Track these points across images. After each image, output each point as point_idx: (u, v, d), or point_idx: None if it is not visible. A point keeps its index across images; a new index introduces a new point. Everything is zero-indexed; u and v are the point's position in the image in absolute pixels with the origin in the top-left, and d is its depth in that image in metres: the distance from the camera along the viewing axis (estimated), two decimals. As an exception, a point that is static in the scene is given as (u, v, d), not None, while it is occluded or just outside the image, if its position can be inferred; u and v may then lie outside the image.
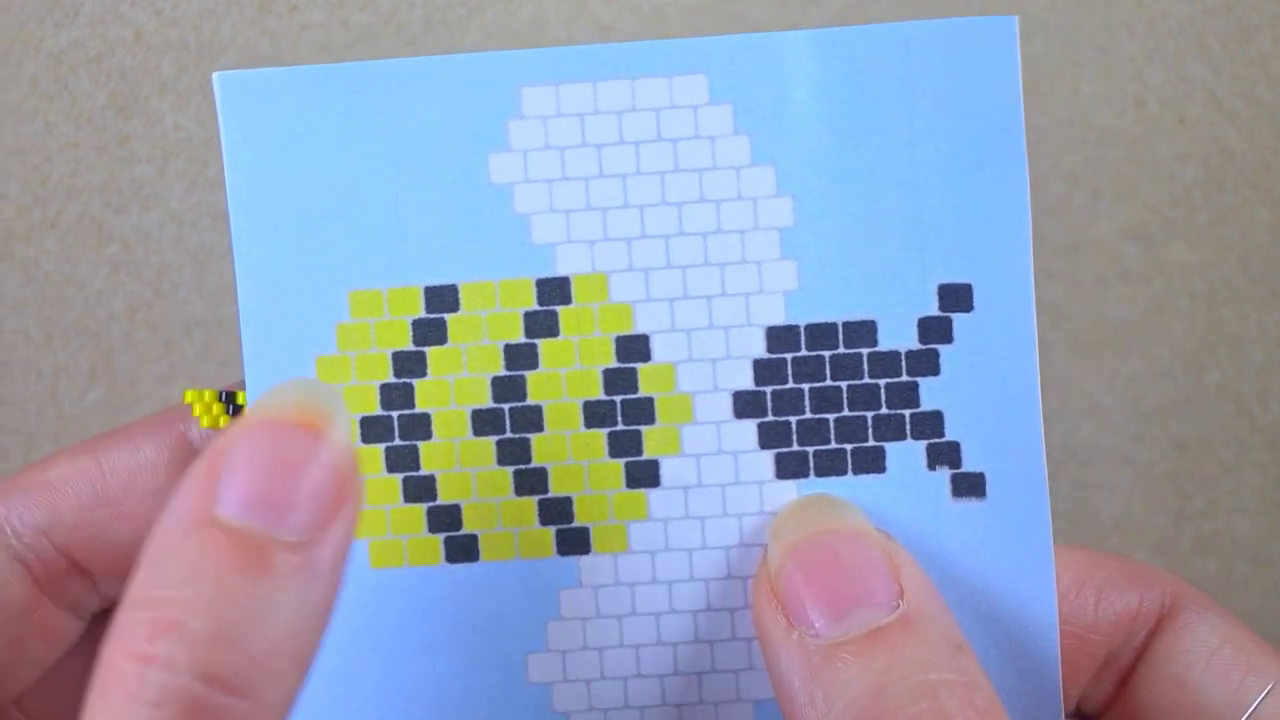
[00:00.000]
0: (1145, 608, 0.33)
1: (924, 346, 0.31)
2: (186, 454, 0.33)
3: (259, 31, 0.39)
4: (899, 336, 0.31)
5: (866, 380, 0.31)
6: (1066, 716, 0.34)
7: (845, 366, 0.31)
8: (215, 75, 0.31)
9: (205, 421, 0.32)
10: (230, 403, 0.31)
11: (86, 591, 0.33)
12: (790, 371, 0.32)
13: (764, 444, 0.32)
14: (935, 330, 0.31)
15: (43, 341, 0.39)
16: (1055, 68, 0.40)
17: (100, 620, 0.35)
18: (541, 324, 0.31)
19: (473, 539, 0.32)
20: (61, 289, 0.39)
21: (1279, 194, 0.40)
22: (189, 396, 0.32)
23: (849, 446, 0.32)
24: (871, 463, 0.32)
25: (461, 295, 0.31)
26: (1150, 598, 0.33)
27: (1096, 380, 0.40)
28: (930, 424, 0.31)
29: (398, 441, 0.31)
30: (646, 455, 0.32)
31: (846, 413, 0.32)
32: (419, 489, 0.32)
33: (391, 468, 0.31)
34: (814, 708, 0.27)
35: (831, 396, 0.32)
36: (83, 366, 0.39)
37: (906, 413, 0.31)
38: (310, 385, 0.28)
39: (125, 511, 0.32)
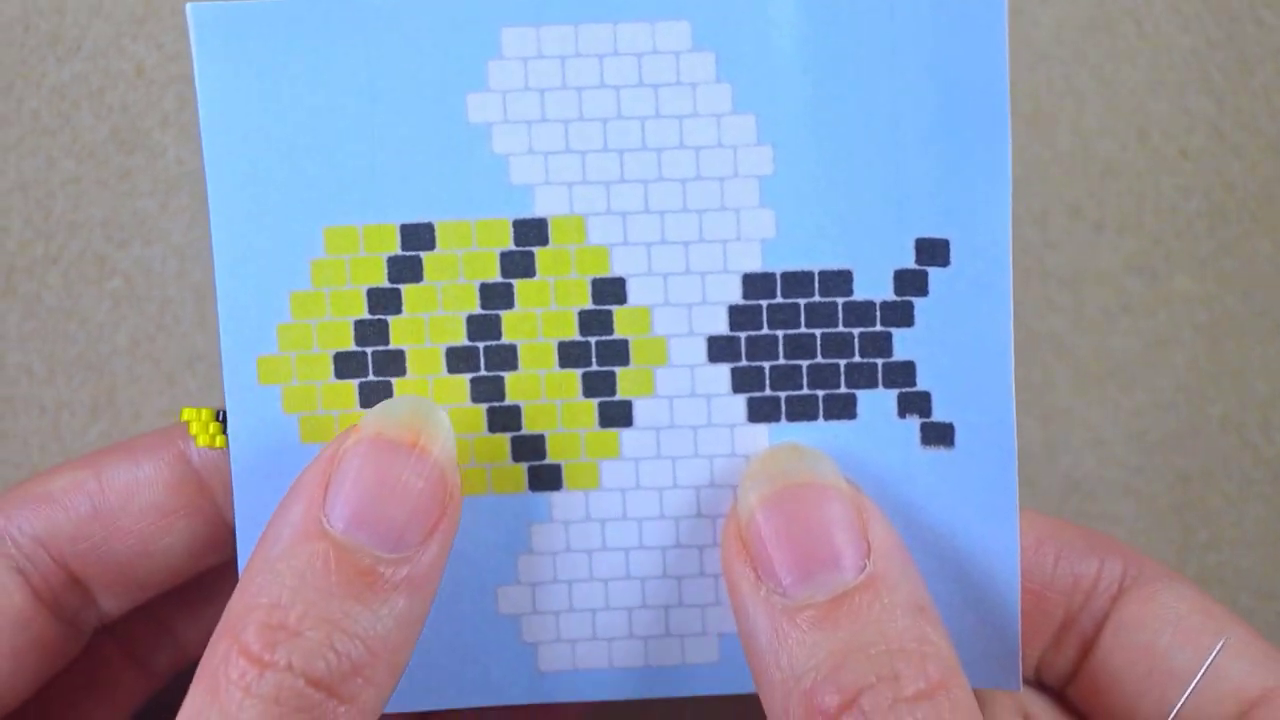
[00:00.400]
0: (1106, 574, 0.33)
1: (899, 298, 0.31)
2: (185, 471, 0.33)
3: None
4: (874, 287, 0.31)
5: (840, 329, 0.32)
6: (1027, 684, 0.34)
7: (820, 314, 0.32)
8: (188, 6, 0.30)
9: (202, 440, 0.32)
10: (227, 422, 0.31)
11: (85, 606, 0.34)
12: (765, 318, 0.32)
13: (737, 388, 0.32)
14: (911, 282, 0.31)
15: (45, 377, 0.39)
16: (1058, 100, 0.40)
17: (101, 638, 0.35)
18: (518, 264, 0.31)
19: None
20: (64, 324, 0.39)
21: None
22: (186, 414, 0.32)
23: (821, 393, 0.32)
24: (842, 409, 0.32)
25: (438, 234, 0.31)
26: (1111, 565, 0.33)
27: (1100, 413, 0.41)
28: (902, 373, 0.32)
29: (371, 377, 0.32)
30: (620, 396, 0.32)
31: (820, 360, 0.32)
32: None
33: (365, 403, 0.32)
34: (778, 669, 0.28)
35: (805, 344, 0.32)
36: (85, 401, 0.40)
37: (879, 362, 0.32)
38: (420, 404, 0.30)
39: (124, 526, 0.33)
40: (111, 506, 0.33)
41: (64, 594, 0.33)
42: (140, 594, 0.34)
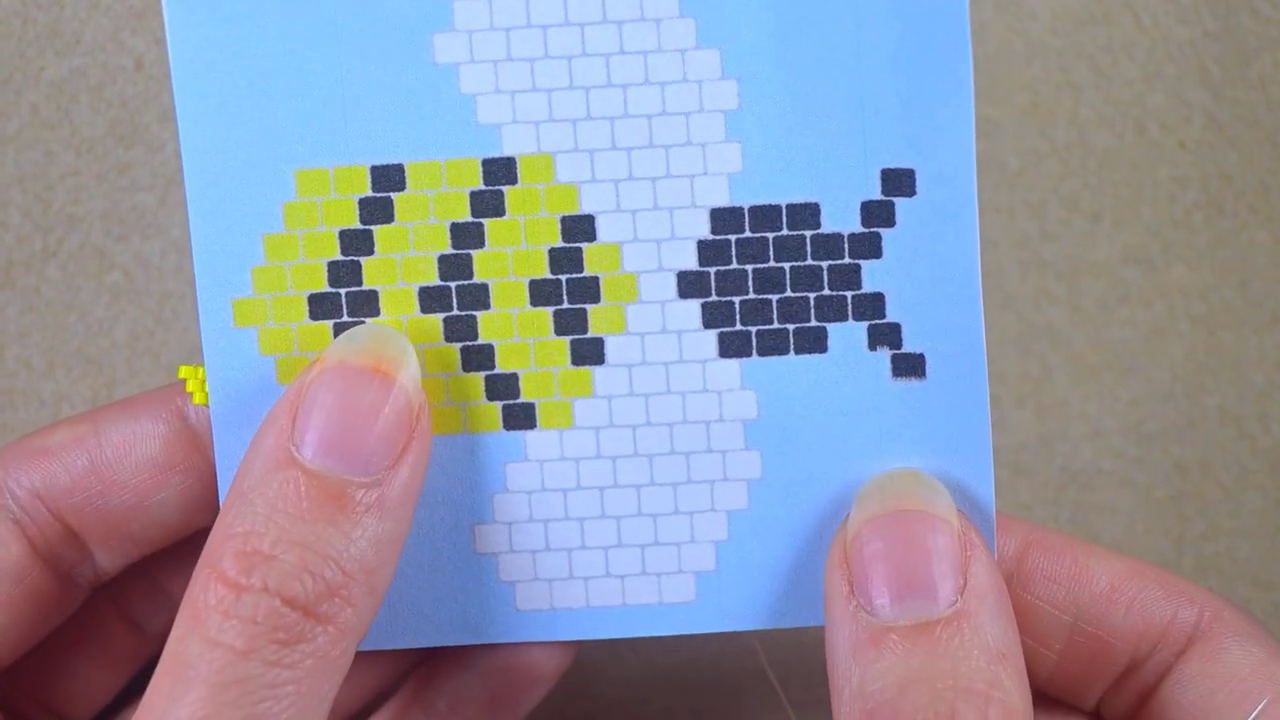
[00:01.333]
0: (1178, 624, 0.32)
1: (866, 230, 0.32)
2: (182, 427, 0.33)
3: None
4: (842, 219, 0.32)
5: (809, 262, 0.32)
6: (1084, 718, 0.34)
7: (788, 248, 0.32)
8: (159, -48, 0.31)
9: (198, 398, 0.32)
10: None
11: (81, 560, 0.34)
12: (734, 252, 0.32)
13: (707, 324, 0.32)
14: (878, 214, 0.31)
15: (45, 370, 0.40)
16: (1055, 91, 0.40)
17: (99, 600, 0.36)
18: (487, 203, 0.32)
19: None
20: (63, 317, 0.40)
21: (1279, 216, 0.40)
22: (183, 372, 0.32)
23: (791, 327, 0.32)
24: (813, 343, 0.32)
25: (408, 174, 0.32)
26: (1185, 615, 0.32)
27: (1097, 404, 0.41)
28: (871, 305, 0.32)
29: (346, 318, 0.32)
30: (591, 334, 0.32)
31: (789, 293, 0.32)
32: None
33: None
34: (849, 683, 0.29)
35: (774, 277, 0.32)
36: (85, 394, 0.40)
37: (848, 294, 0.32)
38: (381, 331, 0.31)
39: (121, 480, 0.33)
40: (109, 461, 0.33)
41: (60, 547, 0.33)
42: (135, 550, 0.34)
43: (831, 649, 0.29)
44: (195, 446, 0.33)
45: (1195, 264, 0.40)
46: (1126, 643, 0.33)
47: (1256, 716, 0.31)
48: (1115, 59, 0.40)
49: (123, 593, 0.36)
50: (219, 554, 0.28)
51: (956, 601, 0.29)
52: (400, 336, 0.31)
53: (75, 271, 0.40)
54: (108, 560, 0.34)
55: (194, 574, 0.28)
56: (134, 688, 0.37)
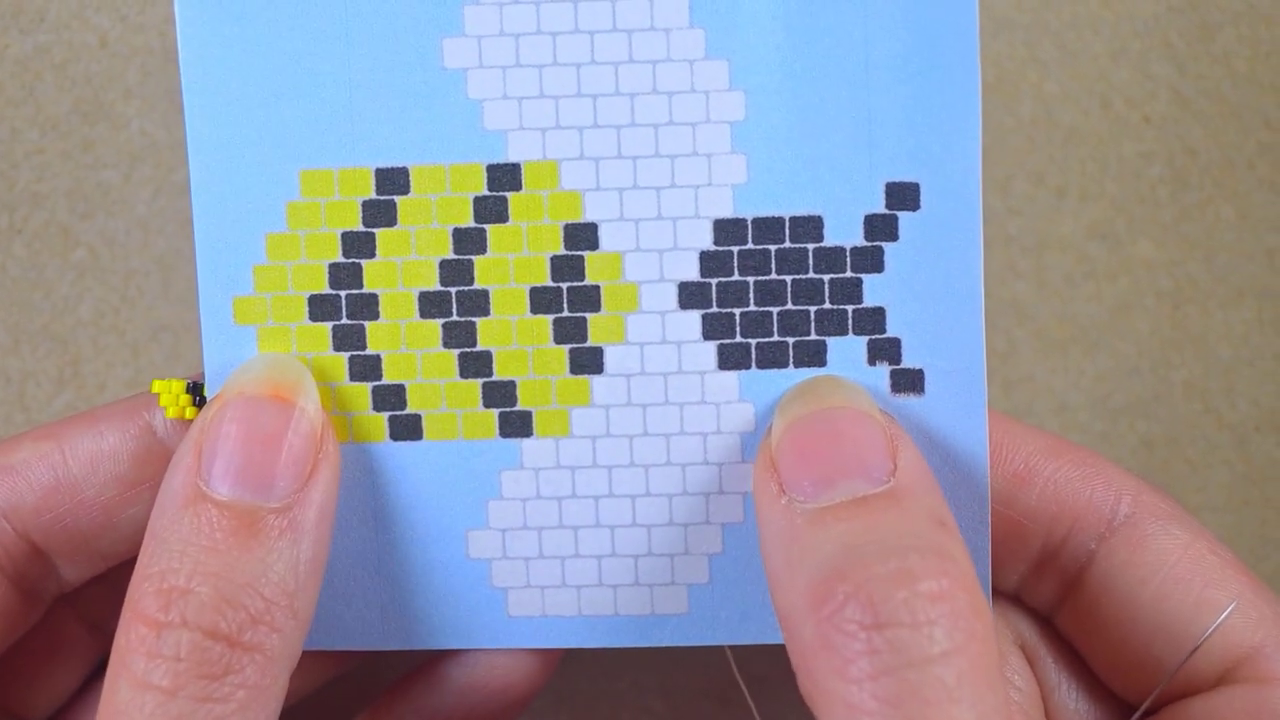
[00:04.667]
0: (1094, 506, 0.32)
1: (869, 243, 0.32)
2: (150, 442, 0.33)
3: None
4: (845, 233, 0.32)
5: (811, 275, 0.32)
6: (1015, 605, 0.34)
7: (790, 261, 0.32)
8: (170, -52, 0.31)
9: (171, 412, 0.32)
10: (198, 394, 0.31)
11: (46, 576, 0.34)
12: (736, 264, 0.32)
13: (707, 335, 0.32)
14: (881, 228, 0.32)
15: (10, 347, 0.40)
16: (1020, 67, 0.40)
17: (59, 605, 0.35)
18: (491, 209, 0.32)
19: (416, 418, 0.32)
20: (28, 294, 0.40)
21: (1244, 191, 0.40)
22: (157, 386, 0.32)
23: (791, 340, 0.32)
24: (813, 356, 0.32)
25: (412, 178, 0.32)
26: (1101, 497, 0.32)
27: (1063, 379, 0.41)
28: (872, 320, 0.32)
29: (344, 320, 0.32)
30: (591, 342, 0.32)
31: (790, 306, 0.32)
32: (364, 368, 0.32)
33: (338, 346, 0.32)
34: (789, 568, 0.28)
35: (776, 290, 0.32)
36: (50, 372, 0.40)
37: (849, 308, 0.32)
38: (277, 359, 0.31)
39: (87, 498, 0.33)
40: (75, 478, 0.33)
41: (25, 565, 0.33)
42: (102, 564, 0.34)
43: (768, 551, 0.29)
44: (164, 461, 0.33)
45: (1161, 239, 0.40)
46: (1039, 524, 0.32)
47: (1220, 622, 0.31)
48: (1080, 34, 0.40)
49: (86, 599, 0.36)
50: (138, 595, 0.28)
51: (889, 480, 0.28)
52: (296, 362, 0.31)
53: (40, 249, 0.39)
54: (73, 574, 0.34)
55: (120, 621, 0.28)
56: (95, 681, 0.36)
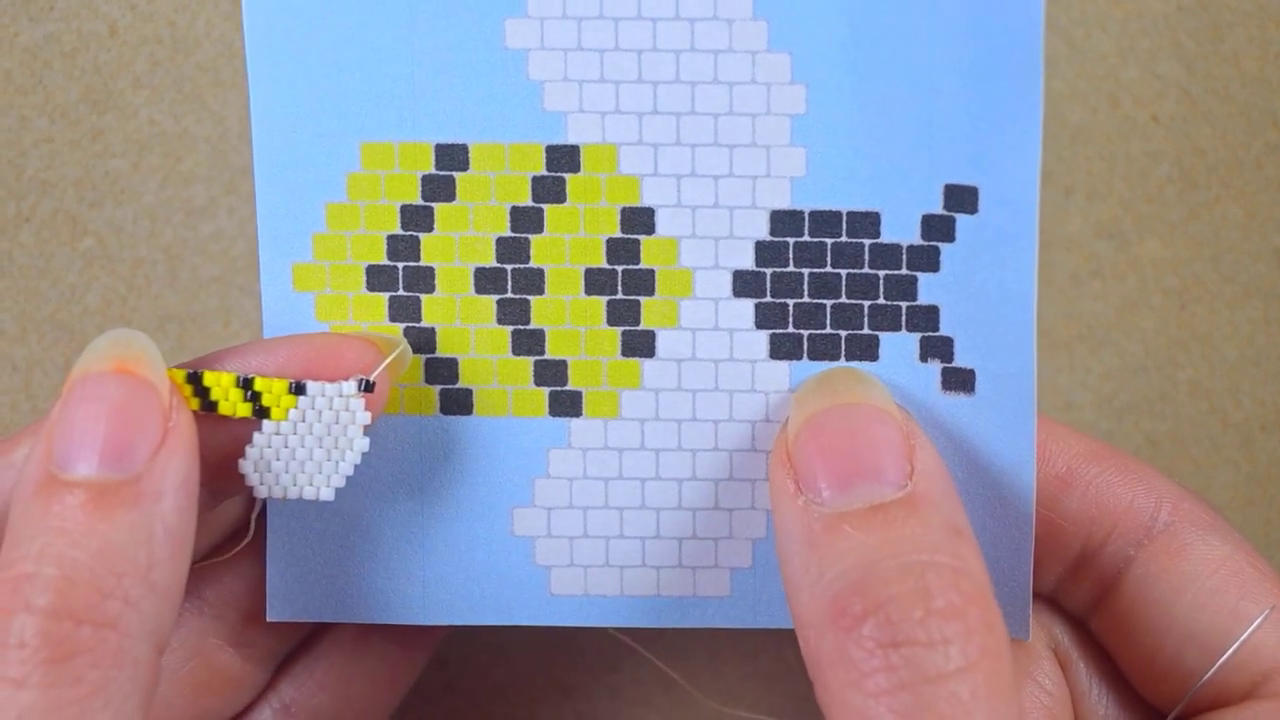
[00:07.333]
0: (1134, 512, 0.32)
1: (926, 243, 0.31)
2: None
3: (234, 26, 0.39)
4: (902, 230, 0.31)
5: (866, 270, 0.32)
6: (1051, 605, 0.34)
7: (846, 255, 0.32)
8: (240, -82, 0.31)
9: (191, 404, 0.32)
10: (197, 383, 0.30)
11: None
12: (791, 255, 0.32)
13: (760, 324, 0.32)
14: (938, 228, 0.31)
15: (17, 335, 0.40)
16: None
17: None
18: (549, 189, 0.32)
19: (468, 393, 0.32)
20: (36, 283, 0.40)
21: (1251, 191, 0.40)
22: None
23: (844, 333, 0.32)
24: (865, 350, 0.32)
25: (471, 155, 0.32)
26: (1142, 504, 0.32)
27: (1069, 377, 0.40)
28: (925, 318, 0.32)
29: (401, 292, 0.32)
30: (644, 326, 0.32)
31: (844, 300, 0.32)
32: (418, 339, 0.32)
33: (394, 317, 0.32)
34: (806, 574, 0.28)
35: (830, 283, 0.32)
36: (57, 360, 0.40)
37: (903, 305, 0.32)
38: (120, 335, 0.29)
39: None
40: None
41: None
42: None
43: (784, 551, 0.29)
44: None
45: (1168, 238, 0.40)
46: (1079, 527, 0.32)
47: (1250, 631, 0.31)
48: (1089, 32, 0.39)
49: None
50: None
51: (906, 485, 0.28)
52: (140, 335, 0.29)
53: (48, 238, 0.40)
54: None
55: None
56: None
